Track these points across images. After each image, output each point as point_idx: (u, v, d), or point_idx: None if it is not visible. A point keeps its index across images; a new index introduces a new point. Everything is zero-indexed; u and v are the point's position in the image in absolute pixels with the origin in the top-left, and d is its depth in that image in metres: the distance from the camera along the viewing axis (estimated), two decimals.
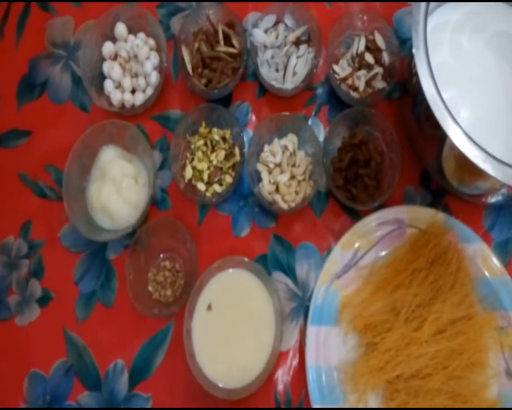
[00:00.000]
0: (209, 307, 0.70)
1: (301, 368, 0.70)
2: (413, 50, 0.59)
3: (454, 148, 0.55)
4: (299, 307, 0.73)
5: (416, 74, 0.58)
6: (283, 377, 0.71)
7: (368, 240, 0.73)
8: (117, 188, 0.74)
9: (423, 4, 0.61)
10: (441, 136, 0.57)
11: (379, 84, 0.77)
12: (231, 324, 0.69)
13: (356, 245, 0.72)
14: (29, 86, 0.85)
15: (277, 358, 0.69)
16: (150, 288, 0.75)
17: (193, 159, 0.77)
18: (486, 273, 0.70)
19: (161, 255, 0.76)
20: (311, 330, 0.69)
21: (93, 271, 0.77)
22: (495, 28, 0.72)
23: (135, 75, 0.81)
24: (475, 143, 0.55)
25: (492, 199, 0.71)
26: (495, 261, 0.70)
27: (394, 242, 0.73)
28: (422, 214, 0.72)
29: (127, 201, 0.74)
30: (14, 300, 0.77)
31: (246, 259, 0.71)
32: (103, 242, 0.77)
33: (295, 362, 0.71)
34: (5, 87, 0.85)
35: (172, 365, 0.72)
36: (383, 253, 0.73)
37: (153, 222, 0.75)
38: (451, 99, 0.62)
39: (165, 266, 0.75)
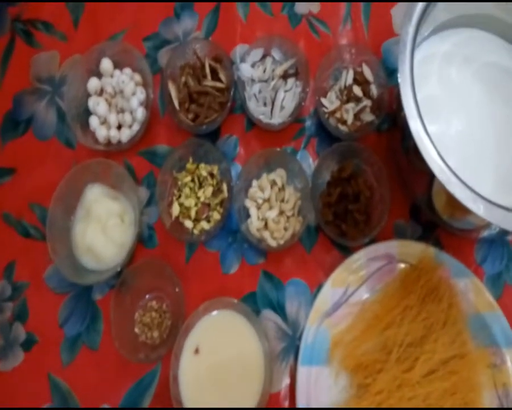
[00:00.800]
0: (196, 351, 0.68)
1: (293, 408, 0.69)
2: (400, 86, 0.58)
3: (443, 185, 0.54)
4: (289, 346, 0.72)
5: (403, 108, 0.57)
6: None
7: (359, 276, 0.72)
8: (102, 228, 0.73)
9: (409, 39, 0.61)
10: (430, 171, 0.56)
11: (368, 117, 0.76)
12: (219, 368, 0.68)
13: (347, 281, 0.71)
14: (13, 123, 0.84)
15: (268, 400, 0.67)
16: (136, 330, 0.73)
17: (180, 196, 0.76)
18: (479, 308, 0.69)
19: (147, 296, 0.75)
20: (302, 371, 0.68)
21: (78, 313, 0.75)
22: (483, 60, 0.72)
23: (121, 111, 0.80)
24: (464, 183, 0.54)
25: (483, 234, 0.70)
26: (488, 295, 0.69)
27: (385, 277, 0.72)
28: (412, 249, 0.71)
29: (113, 240, 0.73)
30: None
31: (234, 300, 0.70)
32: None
33: (286, 404, 0.70)
34: None
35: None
36: (374, 289, 0.71)
37: (139, 263, 0.74)
38: (439, 133, 0.62)
39: (151, 306, 0.74)
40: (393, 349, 0.66)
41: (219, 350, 0.68)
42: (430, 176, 0.60)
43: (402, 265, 0.71)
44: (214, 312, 0.70)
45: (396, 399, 0.63)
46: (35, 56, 0.87)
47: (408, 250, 0.71)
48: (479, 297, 0.69)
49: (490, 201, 0.54)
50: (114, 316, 0.70)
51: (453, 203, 0.61)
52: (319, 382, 0.68)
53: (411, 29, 0.61)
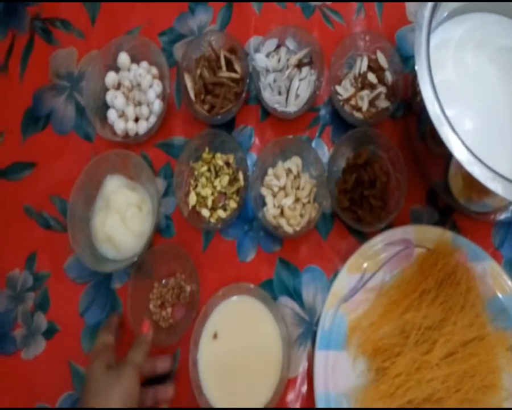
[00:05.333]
0: (215, 336, 0.69)
1: (310, 395, 0.69)
2: (416, 69, 0.58)
3: (460, 166, 0.54)
4: (306, 332, 0.72)
5: (419, 93, 0.57)
6: (291, 404, 0.70)
7: (376, 262, 0.71)
8: (121, 218, 0.74)
9: (425, 22, 0.61)
10: (447, 154, 0.56)
11: (383, 103, 0.76)
12: (237, 353, 0.68)
13: (364, 267, 0.71)
14: (33, 119, 0.85)
15: (286, 385, 0.68)
16: (151, 307, 0.75)
17: (196, 185, 0.77)
18: (497, 292, 0.69)
19: (164, 281, 0.76)
20: (319, 355, 0.68)
21: (98, 302, 0.76)
22: (498, 43, 0.72)
23: (138, 103, 0.81)
24: (482, 162, 0.54)
25: (501, 216, 0.70)
26: (506, 278, 0.69)
27: (402, 263, 0.71)
28: (429, 234, 0.71)
29: (131, 230, 0.74)
30: (20, 333, 0.77)
31: (252, 285, 0.70)
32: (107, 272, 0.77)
33: (304, 389, 0.70)
34: (10, 121, 0.86)
35: (178, 395, 0.70)
36: (391, 274, 0.71)
37: (157, 247, 0.75)
38: (456, 116, 0.61)
39: (169, 283, 0.76)
40: (412, 333, 0.66)
41: (237, 335, 0.69)
42: (447, 159, 0.60)
43: (419, 250, 0.71)
44: (232, 298, 0.71)
45: (415, 381, 0.63)
46: (54, 53, 0.88)
47: (425, 235, 0.71)
48: (497, 280, 0.69)
49: (508, 180, 0.54)
50: (131, 296, 0.71)
51: (470, 184, 0.61)
52: (337, 366, 0.68)
53: (427, 13, 0.61)
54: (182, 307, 0.75)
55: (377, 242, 0.72)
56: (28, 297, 0.78)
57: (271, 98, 0.78)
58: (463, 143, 0.55)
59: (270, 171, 0.76)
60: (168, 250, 0.75)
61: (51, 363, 0.75)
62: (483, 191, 0.55)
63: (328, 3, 0.85)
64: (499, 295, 0.68)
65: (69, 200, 0.75)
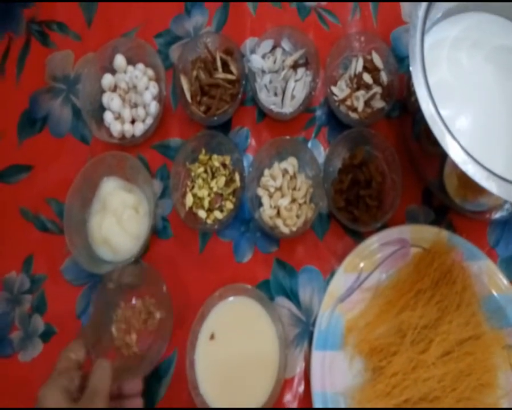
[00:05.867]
0: (212, 337, 0.69)
1: (307, 395, 0.69)
2: (411, 69, 0.59)
3: (455, 166, 0.55)
4: (303, 332, 0.72)
5: (414, 93, 0.58)
6: (289, 405, 0.70)
7: (372, 261, 0.72)
8: (118, 220, 0.74)
9: (420, 22, 0.61)
10: (442, 154, 0.56)
11: (378, 104, 0.77)
12: (234, 353, 0.69)
13: (360, 266, 0.71)
14: (30, 121, 0.86)
15: (283, 386, 0.68)
16: (114, 330, 0.72)
17: (193, 187, 0.77)
18: (493, 291, 0.69)
19: (133, 301, 0.74)
20: (316, 356, 0.68)
21: None
22: (493, 43, 0.72)
23: (135, 105, 0.81)
24: (477, 162, 0.55)
25: (496, 215, 0.70)
26: (501, 277, 0.69)
27: (398, 262, 0.72)
28: (425, 233, 0.71)
29: (128, 232, 0.74)
30: (17, 336, 0.77)
31: (248, 286, 0.70)
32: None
33: (301, 389, 0.70)
34: (6, 124, 0.86)
35: (175, 396, 0.71)
36: (387, 274, 0.72)
37: (129, 266, 0.73)
38: (451, 116, 0.61)
39: (135, 305, 0.73)
40: (408, 333, 0.66)
41: (234, 336, 0.69)
42: (442, 158, 0.61)
43: (415, 250, 0.71)
44: (229, 299, 0.71)
45: (412, 381, 0.63)
46: (50, 55, 0.89)
47: (420, 235, 0.71)
48: (493, 279, 0.69)
49: (502, 178, 0.54)
50: (94, 313, 0.70)
51: (466, 184, 0.61)
52: (333, 366, 0.68)
53: (421, 13, 0.62)
54: (150, 335, 0.72)
55: (373, 242, 0.72)
56: (25, 300, 0.78)
57: (267, 99, 0.78)
58: (457, 142, 0.55)
59: (266, 171, 0.76)
60: (141, 270, 0.73)
61: (48, 366, 0.73)
62: (478, 190, 0.55)
63: (323, 3, 0.85)
64: (495, 294, 0.69)
65: (66, 203, 0.75)
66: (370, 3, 0.85)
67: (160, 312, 0.72)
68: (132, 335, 0.72)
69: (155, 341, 0.72)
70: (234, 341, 0.69)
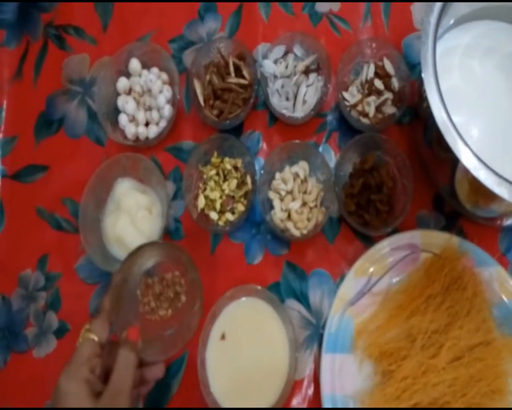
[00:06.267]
0: (223, 337, 0.70)
1: (316, 397, 0.69)
2: (423, 75, 0.59)
3: (467, 172, 0.55)
4: (313, 335, 0.73)
5: (426, 99, 0.58)
6: (298, 407, 0.70)
7: (382, 266, 0.72)
8: (132, 220, 0.75)
9: (432, 29, 0.62)
10: (453, 160, 0.56)
11: (389, 109, 0.77)
12: (245, 354, 0.69)
13: (370, 271, 0.72)
14: (46, 123, 0.87)
15: (292, 388, 0.68)
16: (138, 293, 0.64)
17: (205, 189, 0.78)
18: (503, 297, 0.69)
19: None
20: (326, 358, 0.68)
21: None
22: (505, 51, 0.72)
23: (149, 108, 0.82)
24: (489, 168, 0.55)
25: (507, 222, 0.70)
26: None
27: (408, 267, 0.72)
28: (436, 239, 0.72)
29: (141, 232, 0.75)
30: (31, 332, 0.78)
31: (259, 287, 0.71)
32: None
33: (310, 391, 0.71)
34: (24, 125, 0.87)
35: (186, 396, 0.72)
36: (397, 279, 0.72)
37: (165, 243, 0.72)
38: (463, 123, 0.61)
39: (164, 278, 0.66)
40: (418, 337, 0.66)
41: (245, 336, 0.70)
42: (453, 164, 0.61)
43: (425, 255, 0.72)
44: (240, 299, 0.71)
45: (421, 385, 0.63)
46: (67, 59, 0.90)
47: (431, 240, 0.72)
48: (504, 286, 0.69)
49: None
50: (116, 287, 0.61)
51: (477, 190, 0.61)
52: (343, 369, 0.68)
53: (433, 20, 0.62)
54: (179, 312, 0.65)
55: (383, 246, 0.72)
56: (40, 296, 0.80)
57: (278, 103, 0.79)
58: (469, 149, 0.55)
59: (278, 175, 0.77)
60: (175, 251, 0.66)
61: (62, 361, 0.74)
62: (490, 196, 0.55)
63: (335, 10, 0.86)
64: (506, 300, 0.69)
65: (81, 202, 0.76)
66: (382, 10, 0.85)
67: (187, 296, 0.65)
68: (158, 303, 0.65)
69: (184, 318, 0.64)
70: (244, 342, 0.70)
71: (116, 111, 0.83)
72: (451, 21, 0.73)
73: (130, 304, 0.64)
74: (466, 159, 0.55)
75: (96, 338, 0.55)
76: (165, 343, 0.64)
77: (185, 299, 0.65)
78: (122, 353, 0.54)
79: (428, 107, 0.58)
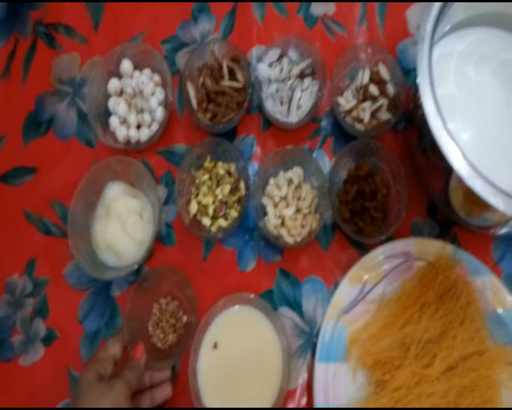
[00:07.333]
0: (215, 346, 0.69)
1: (309, 407, 0.69)
2: (418, 81, 0.58)
3: (461, 181, 0.54)
4: (306, 343, 0.72)
5: (421, 106, 0.58)
6: None
7: (376, 274, 0.72)
8: (122, 225, 0.74)
9: (428, 35, 0.61)
10: (448, 168, 0.56)
11: (384, 115, 0.77)
12: (237, 363, 0.68)
13: (364, 278, 0.71)
14: (35, 123, 0.85)
15: (285, 397, 0.68)
16: (150, 329, 0.74)
17: (198, 194, 0.77)
18: (497, 307, 0.68)
19: (163, 300, 0.75)
20: (319, 368, 0.68)
21: (98, 309, 0.76)
22: (500, 58, 0.72)
23: (141, 111, 0.81)
24: (484, 177, 0.54)
25: (501, 231, 0.70)
26: (506, 293, 0.69)
27: (402, 275, 0.71)
28: (430, 247, 0.71)
29: (132, 238, 0.74)
30: (18, 340, 0.77)
31: (252, 295, 0.70)
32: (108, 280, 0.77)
33: (303, 401, 0.70)
34: (11, 125, 0.86)
35: (177, 405, 0.70)
36: (391, 287, 0.71)
37: (162, 268, 0.75)
38: (458, 131, 0.61)
39: (167, 309, 0.74)
40: (412, 346, 0.65)
41: (237, 345, 0.69)
42: (448, 172, 0.60)
43: (419, 263, 0.71)
44: (233, 308, 0.71)
45: (415, 395, 0.63)
46: (56, 58, 0.89)
47: (425, 248, 0.71)
48: (497, 295, 0.69)
49: (510, 195, 0.54)
50: (129, 312, 0.71)
51: (471, 199, 0.61)
52: (337, 379, 0.68)
53: (429, 26, 0.61)
54: (178, 334, 0.74)
55: (378, 254, 0.72)
56: (27, 303, 0.78)
57: (273, 108, 0.78)
58: (464, 157, 0.55)
59: (271, 180, 0.76)
60: (172, 273, 0.74)
61: (49, 370, 0.75)
62: (484, 205, 0.55)
63: (330, 13, 0.85)
64: (499, 310, 0.68)
65: (70, 206, 0.75)
66: (377, 15, 0.85)
67: (188, 317, 0.74)
68: (166, 333, 0.74)
69: (181, 339, 0.73)
70: (237, 351, 0.69)
71: (107, 113, 0.82)
72: (447, 28, 0.72)
73: (140, 324, 0.74)
74: (461, 168, 0.55)
75: (111, 351, 0.66)
76: (166, 354, 0.72)
77: (186, 319, 0.74)
78: (131, 361, 0.66)
79: (423, 114, 0.57)
